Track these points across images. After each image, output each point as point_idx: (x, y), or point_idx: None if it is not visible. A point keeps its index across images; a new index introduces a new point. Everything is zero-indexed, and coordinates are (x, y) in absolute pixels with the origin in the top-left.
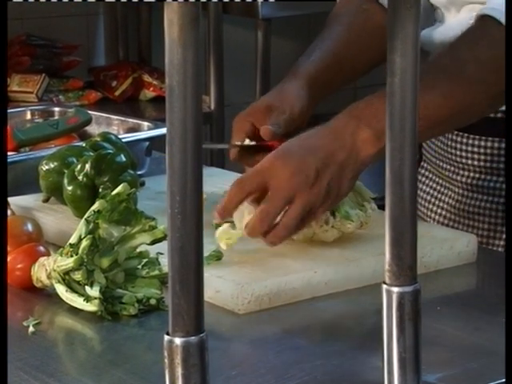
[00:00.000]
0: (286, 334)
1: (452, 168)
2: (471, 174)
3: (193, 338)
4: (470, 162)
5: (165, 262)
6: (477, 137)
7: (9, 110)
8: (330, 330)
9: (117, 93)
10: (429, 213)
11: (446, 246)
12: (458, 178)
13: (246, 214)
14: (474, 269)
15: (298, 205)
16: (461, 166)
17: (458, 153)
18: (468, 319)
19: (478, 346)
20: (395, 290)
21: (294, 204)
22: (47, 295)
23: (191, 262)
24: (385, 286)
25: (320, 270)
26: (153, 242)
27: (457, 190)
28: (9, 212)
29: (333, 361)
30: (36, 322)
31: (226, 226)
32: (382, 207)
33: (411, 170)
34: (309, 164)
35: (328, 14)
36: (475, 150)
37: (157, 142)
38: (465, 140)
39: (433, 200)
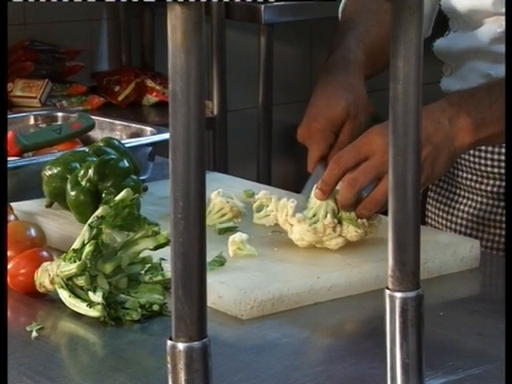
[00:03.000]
0: (288, 340)
1: (474, 177)
2: (497, 183)
3: (196, 343)
4: (496, 170)
5: (168, 268)
6: (502, 144)
7: (12, 115)
8: (333, 336)
9: (120, 98)
10: (448, 223)
11: (449, 251)
12: (482, 186)
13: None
14: (477, 274)
15: (385, 173)
16: (485, 174)
17: (483, 161)
18: (471, 324)
19: (482, 352)
20: (398, 295)
21: (385, 179)
22: (50, 300)
23: (194, 267)
24: (388, 292)
25: (323, 275)
26: (156, 248)
27: (479, 198)
28: (12, 217)
29: (336, 366)
30: (39, 327)
31: (243, 235)
32: (384, 213)
33: (414, 176)
34: None
35: (330, 20)
36: (502, 158)
37: (160, 147)
38: (490, 148)
39: (451, 210)
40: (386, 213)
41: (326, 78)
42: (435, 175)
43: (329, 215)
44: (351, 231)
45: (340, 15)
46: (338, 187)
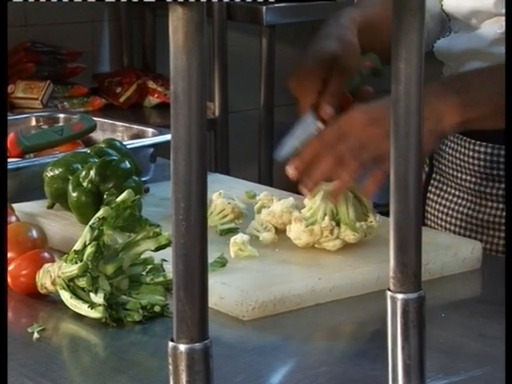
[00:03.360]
0: (290, 341)
1: (468, 177)
2: (496, 185)
3: (197, 344)
4: (495, 172)
5: (169, 269)
6: (496, 146)
7: (14, 117)
8: (335, 337)
9: (121, 99)
10: (447, 225)
11: (450, 252)
12: (476, 187)
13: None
14: (479, 275)
15: (370, 152)
16: (478, 175)
17: (482, 163)
18: (473, 326)
19: (483, 353)
20: (400, 296)
21: (367, 151)
22: (52, 302)
23: (196, 268)
24: (389, 293)
25: (324, 276)
26: (157, 249)
27: (474, 199)
28: (14, 218)
29: (337, 367)
30: (40, 328)
31: (244, 236)
32: (386, 214)
33: (416, 177)
34: (387, 116)
35: None
36: (494, 158)
37: (161, 149)
38: (483, 149)
39: (450, 212)
40: (387, 214)
41: (318, 35)
42: (422, 154)
43: (327, 218)
44: (349, 234)
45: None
46: (329, 187)
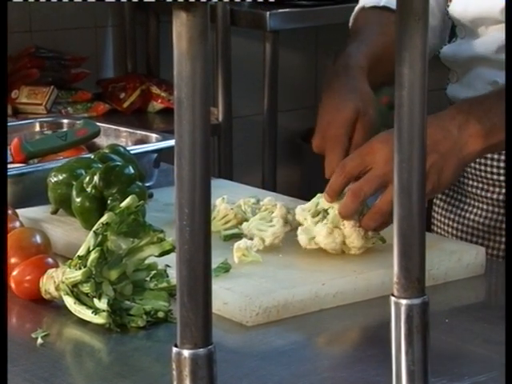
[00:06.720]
0: (294, 346)
1: (480, 185)
2: (502, 191)
3: (201, 350)
4: (502, 178)
5: (173, 274)
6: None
7: (17, 122)
8: (338, 342)
9: (125, 105)
10: (454, 231)
11: (454, 258)
12: (488, 194)
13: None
14: (483, 281)
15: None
16: (491, 182)
17: (489, 169)
18: (477, 331)
19: (487, 359)
20: (403, 302)
21: (389, 188)
22: (55, 307)
23: (199, 274)
24: (393, 299)
25: (328, 282)
26: (161, 254)
27: (485, 206)
28: (17, 224)
29: (341, 373)
30: (44, 333)
31: (248, 242)
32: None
33: (419, 183)
34: None
35: (335, 27)
36: (496, 164)
37: (165, 154)
38: (496, 156)
39: (456, 218)
40: None
41: (330, 87)
42: (442, 184)
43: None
44: (375, 239)
45: (350, 26)
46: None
